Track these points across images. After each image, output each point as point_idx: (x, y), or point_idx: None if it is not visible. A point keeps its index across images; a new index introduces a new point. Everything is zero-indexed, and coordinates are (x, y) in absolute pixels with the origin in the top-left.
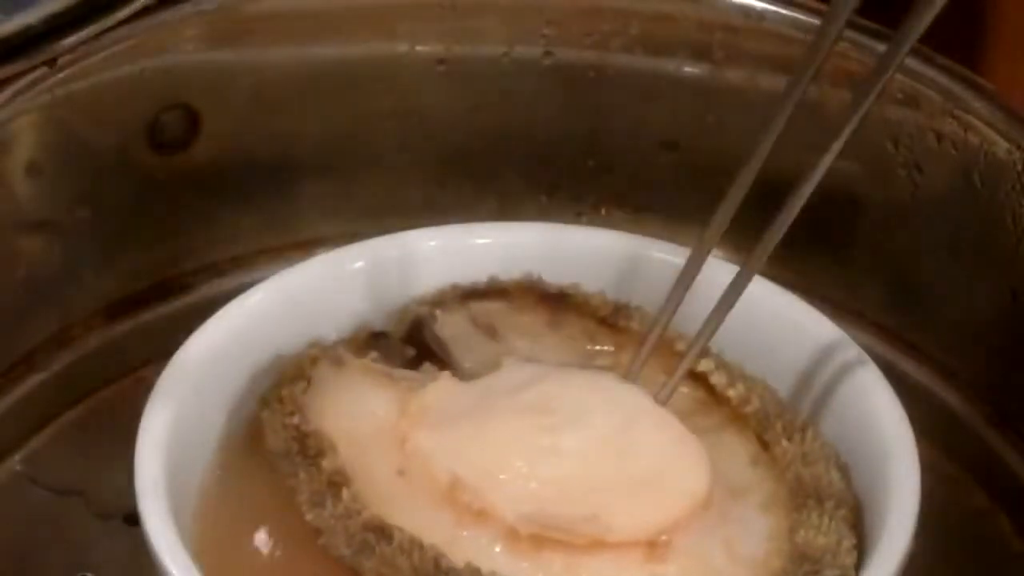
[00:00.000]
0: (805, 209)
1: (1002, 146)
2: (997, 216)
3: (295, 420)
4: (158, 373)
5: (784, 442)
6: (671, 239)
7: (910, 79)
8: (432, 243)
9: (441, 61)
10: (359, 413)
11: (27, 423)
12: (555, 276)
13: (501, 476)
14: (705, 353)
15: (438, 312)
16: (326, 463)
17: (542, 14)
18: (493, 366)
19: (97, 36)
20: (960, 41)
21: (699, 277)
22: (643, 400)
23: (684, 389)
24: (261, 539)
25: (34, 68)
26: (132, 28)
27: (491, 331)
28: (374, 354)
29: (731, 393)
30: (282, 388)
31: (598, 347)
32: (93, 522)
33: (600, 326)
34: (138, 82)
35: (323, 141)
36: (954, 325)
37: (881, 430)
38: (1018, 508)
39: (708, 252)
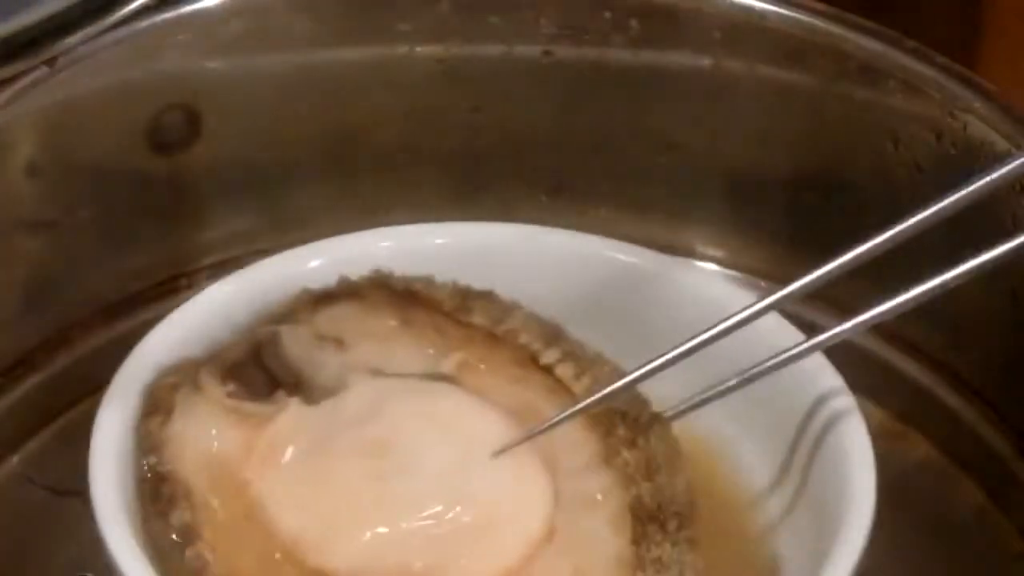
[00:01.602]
0: (804, 208)
1: (1002, 146)
2: (997, 216)
3: (151, 460)
4: None
5: (624, 453)
6: (671, 239)
7: (910, 79)
8: (386, 243)
9: (441, 61)
10: (213, 451)
11: (27, 423)
12: (510, 276)
13: (338, 530)
14: (552, 342)
15: (282, 330)
16: (175, 517)
17: (542, 14)
18: (341, 384)
19: (97, 36)
20: (959, 42)
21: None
22: (482, 424)
23: (536, 376)
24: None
25: (34, 68)
26: (132, 28)
27: (339, 343)
28: (231, 386)
29: (577, 388)
30: (141, 422)
31: (447, 345)
32: (93, 522)
33: (448, 321)
34: (138, 82)
35: (323, 141)
36: (954, 325)
37: (838, 436)
38: (1018, 508)
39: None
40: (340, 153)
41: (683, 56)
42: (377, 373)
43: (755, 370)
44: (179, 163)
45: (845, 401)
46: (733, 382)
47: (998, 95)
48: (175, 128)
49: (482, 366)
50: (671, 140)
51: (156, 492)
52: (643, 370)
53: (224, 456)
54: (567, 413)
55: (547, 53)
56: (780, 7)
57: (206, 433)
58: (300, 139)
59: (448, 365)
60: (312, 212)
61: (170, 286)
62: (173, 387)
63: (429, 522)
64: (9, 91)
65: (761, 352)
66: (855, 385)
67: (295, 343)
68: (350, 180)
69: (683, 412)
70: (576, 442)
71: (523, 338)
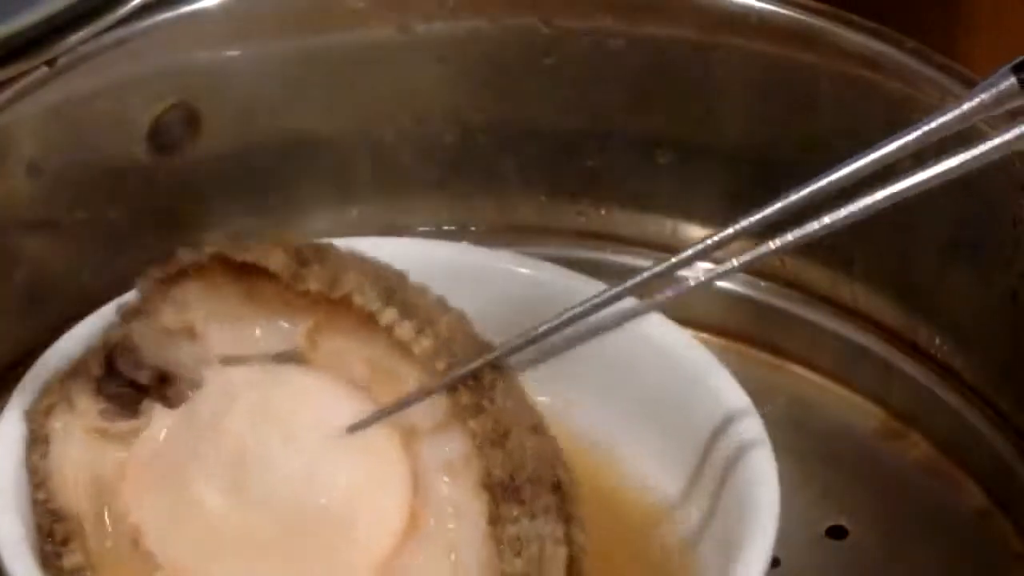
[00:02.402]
0: (806, 207)
1: None
2: (997, 216)
3: (41, 495)
4: None
5: (471, 422)
6: (671, 238)
7: (910, 79)
8: None
9: (442, 59)
10: (93, 479)
11: None
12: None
13: (199, 560)
14: (390, 299)
15: (132, 330)
16: (65, 561)
17: (542, 12)
18: (197, 381)
19: (97, 36)
20: (952, 40)
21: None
22: (331, 411)
23: (381, 338)
24: None
25: (34, 68)
26: (132, 28)
27: (190, 332)
28: (102, 403)
29: (417, 349)
30: (27, 455)
31: (293, 316)
32: None
33: (289, 290)
34: (138, 82)
35: (323, 141)
36: (954, 325)
37: (745, 461)
38: (1018, 508)
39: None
40: (339, 153)
41: (683, 56)
42: (229, 361)
43: (575, 311)
44: (179, 163)
45: (752, 423)
46: (557, 322)
47: None
48: (175, 128)
49: (329, 334)
50: (671, 139)
51: (50, 530)
52: (495, 353)
53: (104, 483)
54: (407, 401)
55: (547, 53)
56: (780, 6)
57: (84, 460)
58: (299, 139)
59: (297, 338)
60: (311, 212)
61: None
62: (48, 412)
63: (289, 538)
64: (9, 91)
65: (624, 337)
66: (855, 385)
67: (147, 343)
68: (349, 180)
69: (512, 350)
70: (428, 405)
71: (358, 300)
